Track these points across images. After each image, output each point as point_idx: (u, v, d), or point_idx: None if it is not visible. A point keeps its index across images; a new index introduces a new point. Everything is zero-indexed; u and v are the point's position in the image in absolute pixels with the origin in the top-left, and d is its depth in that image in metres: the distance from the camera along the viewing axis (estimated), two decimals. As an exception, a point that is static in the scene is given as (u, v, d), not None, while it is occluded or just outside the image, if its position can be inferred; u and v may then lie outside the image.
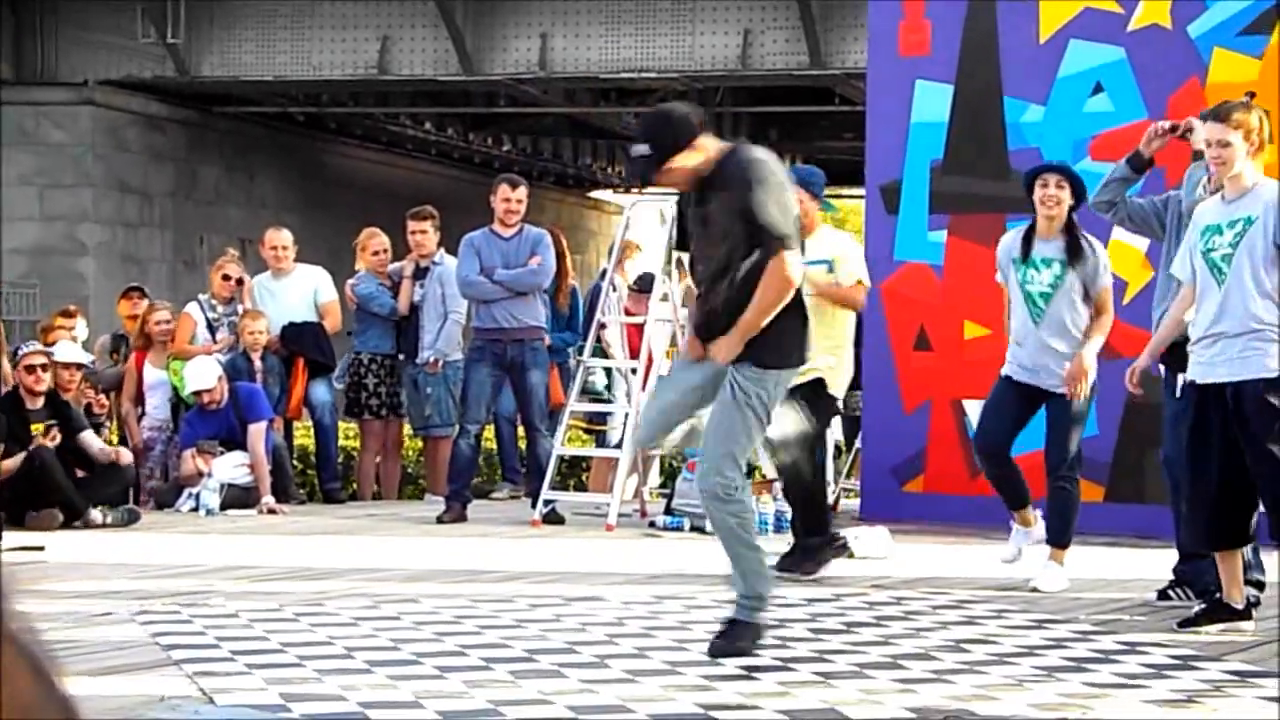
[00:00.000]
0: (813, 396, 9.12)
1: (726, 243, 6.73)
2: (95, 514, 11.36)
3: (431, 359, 13.34)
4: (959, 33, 11.93)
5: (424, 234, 13.46)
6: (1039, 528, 8.95)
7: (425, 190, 27.80)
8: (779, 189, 6.76)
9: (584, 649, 6.87)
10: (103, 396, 13.22)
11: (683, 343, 10.53)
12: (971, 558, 10.02)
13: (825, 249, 9.43)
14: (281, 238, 13.83)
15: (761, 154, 6.82)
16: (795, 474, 9.21)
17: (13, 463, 11.43)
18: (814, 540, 9.32)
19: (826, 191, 10.02)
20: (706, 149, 6.77)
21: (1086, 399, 8.75)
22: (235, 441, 12.64)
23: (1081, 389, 8.66)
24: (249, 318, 13.32)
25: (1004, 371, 8.95)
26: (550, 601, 8.14)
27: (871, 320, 12.21)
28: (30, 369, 11.72)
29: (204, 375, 12.61)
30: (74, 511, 11.40)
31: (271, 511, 12.33)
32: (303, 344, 13.47)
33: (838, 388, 9.54)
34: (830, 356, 9.22)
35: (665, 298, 12.49)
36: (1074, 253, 8.67)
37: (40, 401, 11.76)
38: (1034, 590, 8.65)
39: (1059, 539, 8.82)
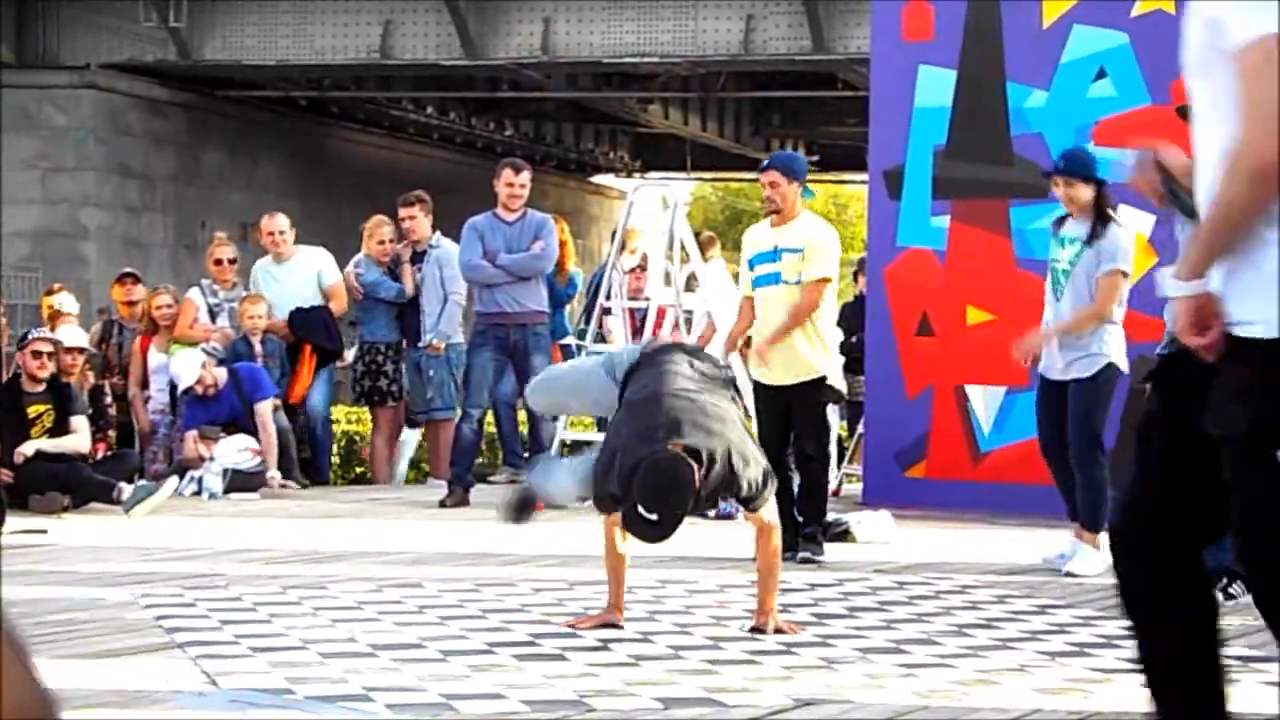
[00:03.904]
0: (815, 394, 9.28)
1: None
2: (125, 486, 11.32)
3: (434, 341, 13.34)
4: (962, 18, 11.91)
5: (413, 219, 13.49)
6: (1097, 557, 8.69)
7: (427, 175, 27.80)
8: None
9: (587, 633, 6.88)
10: (98, 377, 13.21)
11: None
12: (974, 543, 10.03)
13: (799, 237, 9.39)
14: (277, 223, 13.80)
15: None
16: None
17: (28, 448, 11.44)
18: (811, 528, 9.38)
19: (833, 177, 10.00)
20: None
21: (1103, 385, 8.83)
22: (239, 425, 12.65)
23: (1025, 356, 8.88)
24: (248, 302, 13.32)
25: (1039, 368, 9.10)
26: (553, 586, 8.15)
27: (874, 305, 12.21)
28: (36, 354, 11.71)
29: (188, 371, 12.64)
30: (95, 494, 11.38)
31: (284, 486, 12.39)
32: (311, 332, 13.44)
33: (835, 378, 9.56)
34: (823, 355, 9.32)
35: (668, 280, 12.49)
36: (1092, 233, 8.87)
37: (41, 385, 11.76)
38: (1069, 575, 8.67)
39: (1090, 523, 8.83)
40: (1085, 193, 8.85)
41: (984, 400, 11.71)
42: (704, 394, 6.89)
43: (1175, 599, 3.99)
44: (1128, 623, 4.03)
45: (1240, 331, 3.59)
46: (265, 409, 12.67)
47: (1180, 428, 3.84)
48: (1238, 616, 7.50)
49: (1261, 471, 3.57)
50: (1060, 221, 9.08)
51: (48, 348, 11.80)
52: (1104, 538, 8.89)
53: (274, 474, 12.54)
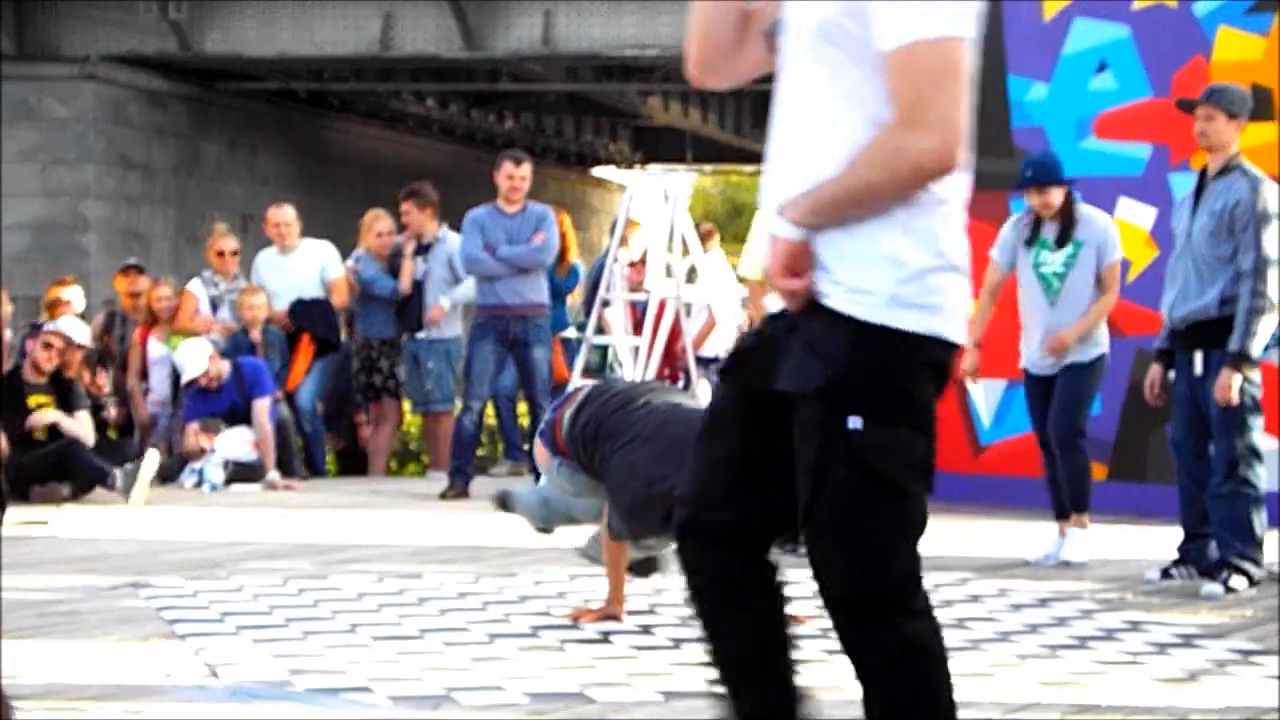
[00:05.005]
0: None
1: None
2: (118, 473, 11.33)
3: (443, 303, 13.19)
4: (963, 10, 11.90)
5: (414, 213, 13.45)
6: (1087, 538, 8.91)
7: (427, 167, 27.75)
8: None
9: (588, 625, 6.89)
10: (91, 374, 13.20)
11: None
12: (974, 535, 10.02)
13: None
14: (284, 214, 13.80)
15: None
16: None
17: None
18: None
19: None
20: None
21: (1097, 373, 8.88)
22: (240, 418, 12.63)
23: (1061, 356, 8.82)
24: (247, 293, 13.31)
25: (1021, 365, 9.08)
26: (554, 578, 8.15)
27: (875, 298, 12.21)
28: (48, 346, 11.73)
29: (196, 361, 12.61)
30: (92, 477, 11.40)
31: (273, 487, 12.34)
32: (311, 322, 13.43)
33: None
34: None
35: (669, 273, 12.47)
36: (1066, 232, 8.91)
37: (44, 377, 11.78)
38: (1064, 564, 8.68)
39: (1077, 505, 8.84)
40: (1057, 196, 8.92)
41: (984, 393, 11.70)
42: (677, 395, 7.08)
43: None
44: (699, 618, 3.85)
45: (837, 302, 3.50)
46: (263, 407, 12.62)
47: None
48: (1236, 610, 7.51)
49: (827, 434, 3.52)
50: (1035, 230, 9.03)
51: (59, 343, 11.82)
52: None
53: (273, 474, 12.51)
